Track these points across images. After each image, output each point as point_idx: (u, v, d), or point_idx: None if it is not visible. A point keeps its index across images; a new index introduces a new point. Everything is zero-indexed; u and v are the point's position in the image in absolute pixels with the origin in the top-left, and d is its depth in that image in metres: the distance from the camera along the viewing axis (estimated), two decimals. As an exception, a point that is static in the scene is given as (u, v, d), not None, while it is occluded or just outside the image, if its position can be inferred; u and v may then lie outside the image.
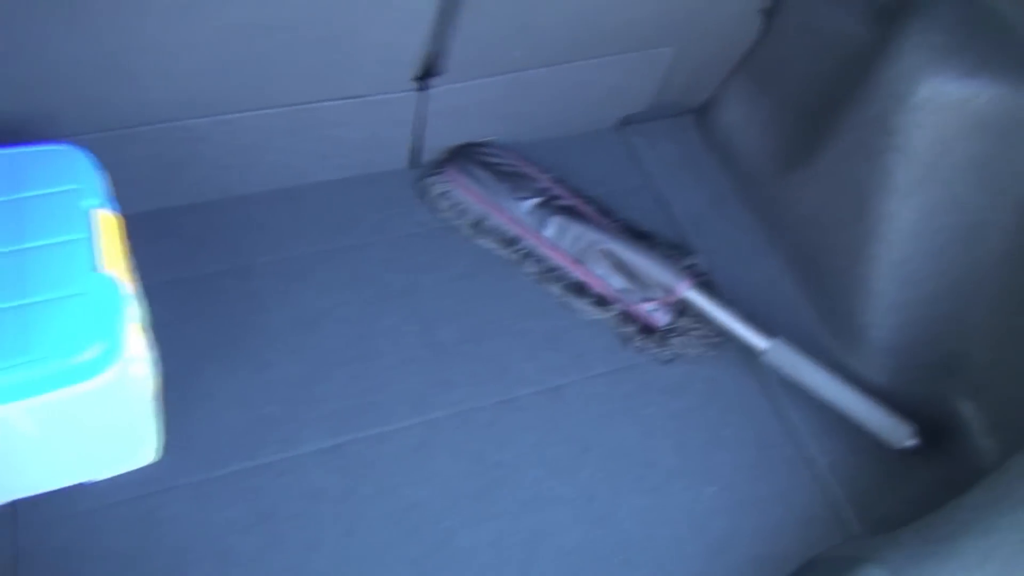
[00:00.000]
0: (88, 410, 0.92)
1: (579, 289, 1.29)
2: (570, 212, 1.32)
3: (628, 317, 1.27)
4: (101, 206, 0.91)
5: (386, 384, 1.18)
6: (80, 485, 1.05)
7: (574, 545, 1.09)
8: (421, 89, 1.23)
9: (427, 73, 1.20)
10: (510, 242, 1.33)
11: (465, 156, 1.37)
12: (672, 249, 1.33)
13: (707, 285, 1.28)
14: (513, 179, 1.35)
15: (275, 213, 1.32)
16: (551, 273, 1.30)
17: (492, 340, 1.25)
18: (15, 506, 1.04)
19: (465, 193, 1.34)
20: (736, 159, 1.46)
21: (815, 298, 1.31)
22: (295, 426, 1.13)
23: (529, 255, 1.32)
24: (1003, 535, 0.87)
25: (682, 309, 1.27)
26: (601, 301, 1.28)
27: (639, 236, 1.33)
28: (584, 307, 1.29)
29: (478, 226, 1.34)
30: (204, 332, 1.19)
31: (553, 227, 1.30)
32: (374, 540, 1.06)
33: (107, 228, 0.90)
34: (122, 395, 0.95)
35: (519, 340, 1.25)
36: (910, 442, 1.14)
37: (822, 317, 1.30)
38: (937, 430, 1.15)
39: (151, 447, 1.08)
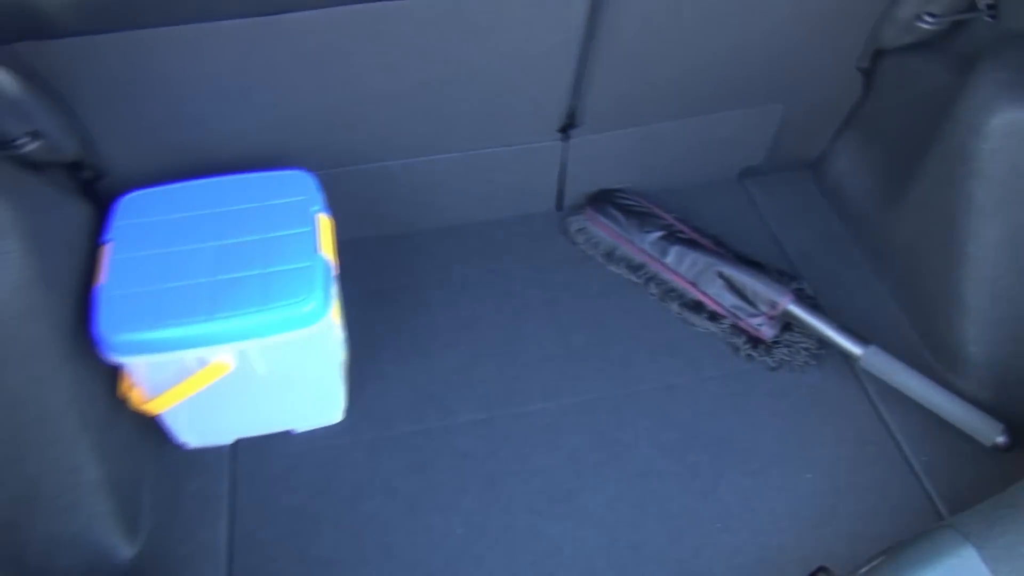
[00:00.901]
0: (301, 355, 1.23)
1: (695, 306, 1.49)
2: (689, 242, 1.54)
3: (738, 330, 1.45)
4: (321, 211, 1.25)
5: (526, 375, 1.42)
6: (285, 433, 1.36)
7: (679, 511, 1.25)
8: (564, 139, 1.51)
9: (569, 125, 1.48)
10: (636, 268, 1.55)
11: (601, 199, 1.63)
12: (780, 274, 1.50)
13: (810, 301, 1.44)
14: (641, 217, 1.59)
15: (443, 244, 1.62)
16: (671, 293, 1.51)
17: (617, 345, 1.46)
18: (237, 445, 1.35)
19: (599, 228, 1.59)
20: (845, 203, 1.62)
21: (916, 320, 1.43)
22: (451, 402, 1.39)
23: (652, 278, 1.54)
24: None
25: (787, 324, 1.43)
26: (714, 316, 1.47)
27: (749, 263, 1.51)
28: (699, 321, 1.48)
29: (610, 255, 1.58)
30: (383, 328, 1.49)
31: (673, 254, 1.52)
32: (509, 492, 1.28)
33: (324, 226, 1.23)
34: (324, 348, 1.26)
35: (641, 346, 1.46)
36: (1000, 439, 1.22)
37: (923, 338, 1.41)
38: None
39: (338, 408, 1.38)
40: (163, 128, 1.25)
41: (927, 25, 1.36)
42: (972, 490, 1.20)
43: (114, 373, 1.23)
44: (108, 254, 1.18)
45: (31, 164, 1.19)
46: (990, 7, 1.31)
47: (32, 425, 1.08)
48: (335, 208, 1.27)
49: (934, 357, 1.38)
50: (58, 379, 1.11)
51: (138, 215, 1.24)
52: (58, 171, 1.26)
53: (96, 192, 1.32)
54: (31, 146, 1.18)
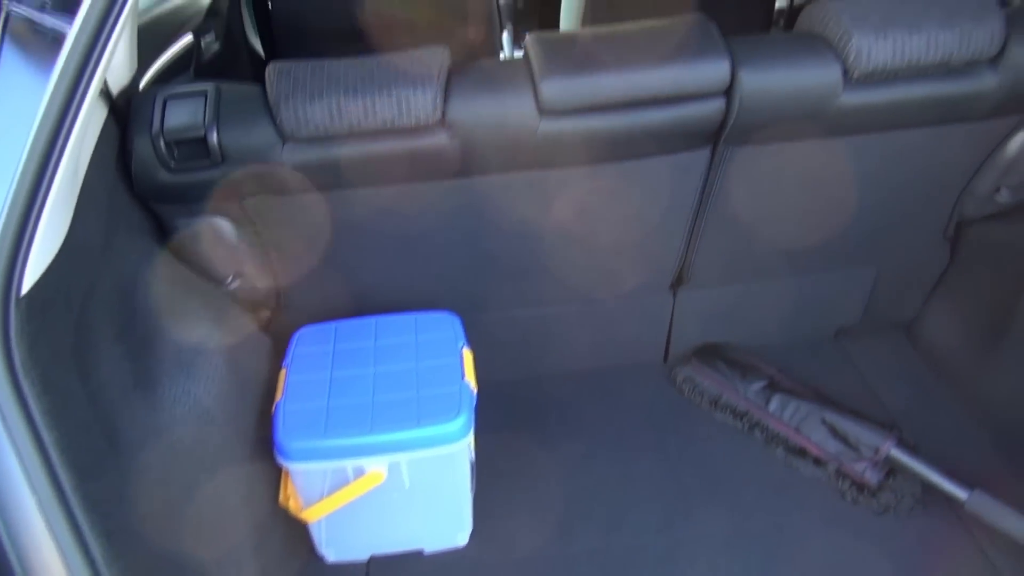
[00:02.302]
0: (442, 471, 1.37)
1: (799, 451, 1.58)
2: (790, 391, 1.65)
3: (843, 475, 1.52)
4: (465, 346, 1.44)
5: (640, 509, 1.52)
6: (415, 554, 1.48)
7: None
8: (673, 294, 1.69)
9: (678, 282, 1.67)
10: (741, 415, 1.67)
11: (706, 351, 1.77)
12: (880, 424, 1.58)
13: (911, 448, 1.51)
14: (743, 368, 1.72)
15: (564, 387, 1.78)
16: (775, 438, 1.61)
17: (725, 484, 1.55)
18: (371, 562, 1.47)
19: (704, 379, 1.73)
20: (940, 361, 1.72)
21: (1020, 469, 1.47)
22: (570, 530, 1.49)
23: (756, 425, 1.64)
24: None
25: (890, 470, 1.50)
26: (818, 461, 1.55)
27: (851, 411, 1.60)
28: (804, 466, 1.56)
29: (715, 403, 1.70)
30: (507, 460, 1.62)
31: (776, 402, 1.63)
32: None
33: (467, 359, 1.42)
34: (462, 467, 1.40)
35: (748, 488, 1.54)
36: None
37: None
38: None
39: (466, 531, 1.50)
40: (339, 273, 1.50)
41: (1004, 198, 1.52)
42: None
43: (277, 483, 1.40)
44: (286, 376, 1.39)
45: (233, 299, 1.44)
46: (1062, 183, 1.47)
47: (211, 518, 1.24)
48: (474, 349, 1.46)
49: None
50: (237, 480, 1.29)
51: (312, 344, 1.46)
52: (249, 308, 1.50)
53: (273, 327, 1.55)
54: (235, 284, 1.43)
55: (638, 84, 1.23)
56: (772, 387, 1.67)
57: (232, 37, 2.19)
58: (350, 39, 1.89)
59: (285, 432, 1.30)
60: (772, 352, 1.79)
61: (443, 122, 1.23)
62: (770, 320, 1.79)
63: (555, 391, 1.76)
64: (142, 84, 1.49)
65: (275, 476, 1.40)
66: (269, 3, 2.19)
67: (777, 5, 2.32)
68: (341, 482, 1.33)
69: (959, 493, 1.41)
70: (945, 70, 1.27)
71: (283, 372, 1.40)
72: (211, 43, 2.02)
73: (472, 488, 1.51)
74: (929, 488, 1.46)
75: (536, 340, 1.72)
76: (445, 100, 1.22)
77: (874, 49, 1.22)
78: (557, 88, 1.22)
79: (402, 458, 1.32)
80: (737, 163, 1.38)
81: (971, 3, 1.25)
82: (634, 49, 1.25)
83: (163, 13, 1.78)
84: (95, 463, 0.93)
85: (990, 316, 1.59)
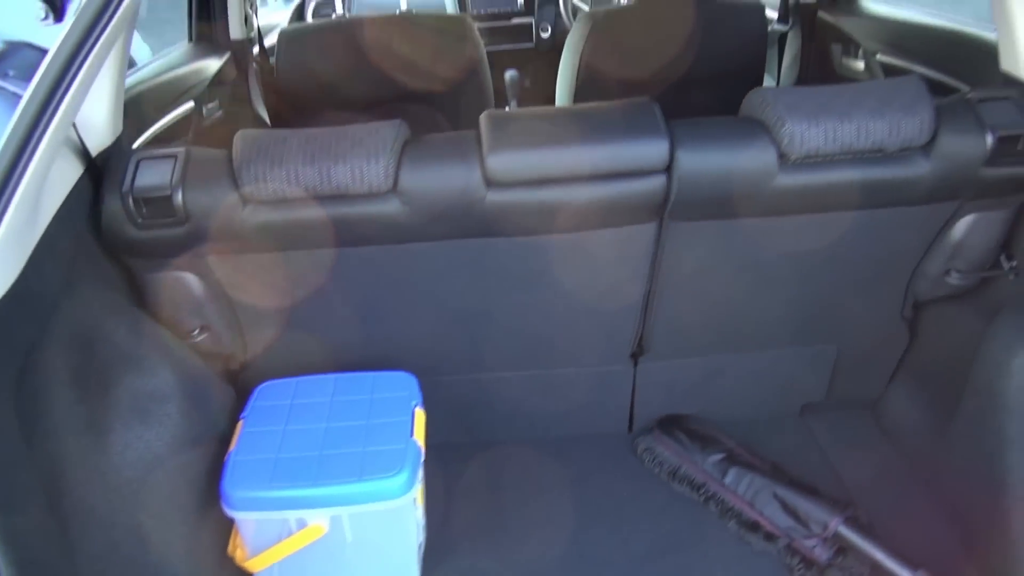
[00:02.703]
0: (385, 528, 1.39)
1: (752, 526, 1.58)
2: (747, 465, 1.65)
3: (793, 551, 1.52)
4: (418, 405, 1.48)
5: (587, 573, 1.52)
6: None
7: None
8: (634, 364, 1.72)
9: (639, 352, 1.70)
10: (697, 487, 1.67)
11: (668, 422, 1.79)
12: (834, 500, 1.57)
13: (863, 527, 1.50)
14: (703, 440, 1.73)
15: (522, 453, 1.80)
16: (729, 511, 1.61)
17: (676, 556, 1.55)
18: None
19: (665, 449, 1.74)
20: (901, 439, 1.72)
21: (969, 549, 1.46)
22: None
23: (712, 497, 1.64)
24: None
25: (840, 548, 1.49)
26: (770, 536, 1.55)
27: (804, 486, 1.60)
28: (755, 540, 1.56)
29: (673, 474, 1.71)
30: (460, 521, 1.63)
31: (732, 475, 1.64)
32: None
33: (419, 418, 1.46)
34: (406, 524, 1.42)
35: (698, 559, 1.54)
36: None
37: (977, 566, 1.43)
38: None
39: (413, 593, 1.51)
40: (302, 331, 1.55)
41: (956, 281, 1.54)
42: None
43: (225, 535, 1.44)
44: (242, 428, 1.44)
45: (198, 352, 1.50)
46: (1013, 267, 1.49)
47: (154, 563, 1.27)
48: (431, 412, 1.50)
49: None
50: (184, 526, 1.32)
51: (271, 399, 1.51)
52: (216, 360, 1.56)
53: (239, 380, 1.61)
54: (201, 337, 1.50)
55: (580, 160, 1.30)
56: (730, 460, 1.67)
57: (237, 104, 2.32)
58: (355, 108, 1.98)
59: (231, 482, 1.34)
60: (737, 426, 1.80)
61: (395, 189, 1.31)
62: (735, 394, 1.81)
63: (515, 456, 1.78)
64: (136, 145, 1.60)
65: (227, 526, 1.43)
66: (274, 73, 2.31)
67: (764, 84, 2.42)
68: (285, 533, 1.36)
69: (903, 574, 1.39)
70: (880, 156, 1.32)
71: (240, 424, 1.45)
72: (213, 110, 2.15)
73: (420, 547, 1.52)
74: (878, 568, 1.45)
75: (496, 405, 1.76)
76: (398, 169, 1.30)
77: (807, 134, 1.28)
78: (502, 161, 1.29)
79: (344, 512, 1.35)
80: (684, 237, 1.43)
81: (903, 95, 1.30)
82: (580, 127, 1.33)
83: (164, 81, 1.91)
84: (20, 498, 0.98)
85: (945, 397, 1.60)
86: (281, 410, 1.48)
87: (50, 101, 0.99)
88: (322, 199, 1.30)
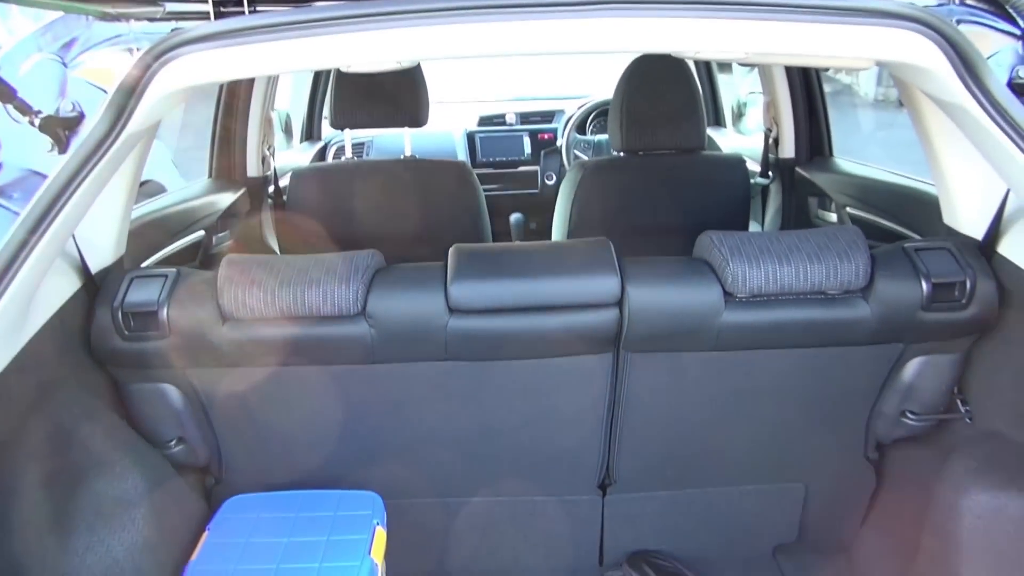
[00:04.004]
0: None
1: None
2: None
3: None
4: (379, 524, 1.51)
5: None
6: None
7: None
8: (602, 496, 1.74)
9: (606, 483, 1.72)
10: (665, 625, 1.65)
11: (637, 558, 1.78)
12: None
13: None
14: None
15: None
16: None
17: None
18: None
19: (634, 583, 1.73)
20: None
21: None
22: None
23: (677, 637, 1.62)
24: None
25: None
26: None
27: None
28: None
29: (642, 611, 1.69)
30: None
31: (697, 615, 1.62)
32: None
33: (379, 536, 1.49)
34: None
35: None
36: None
37: None
38: None
39: None
40: (276, 447, 1.61)
41: (912, 422, 1.57)
42: None
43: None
44: (206, 539, 1.47)
45: (173, 464, 1.56)
46: (967, 411, 1.53)
47: None
48: (396, 537, 1.52)
49: None
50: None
51: (239, 511, 1.55)
52: (190, 473, 1.62)
53: (212, 494, 1.65)
54: (176, 448, 1.56)
55: (537, 291, 1.39)
56: (696, 599, 1.66)
57: (248, 236, 2.49)
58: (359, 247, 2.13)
59: (187, 592, 1.36)
60: (708, 565, 1.78)
61: (363, 313, 1.40)
62: (705, 531, 1.80)
63: None
64: (144, 265, 1.73)
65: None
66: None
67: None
68: (234, 649, 1.37)
69: None
70: (822, 298, 1.40)
71: (204, 534, 1.49)
72: (223, 239, 2.31)
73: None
74: None
75: (463, 533, 1.76)
76: (367, 294, 1.40)
77: (749, 275, 1.37)
78: (464, 290, 1.39)
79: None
80: (640, 369, 1.50)
81: (839, 242, 1.40)
82: (539, 262, 1.43)
83: (179, 210, 2.08)
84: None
85: (909, 541, 1.59)
86: (247, 522, 1.52)
87: (43, 220, 1.11)
88: (296, 319, 1.40)
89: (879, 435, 1.63)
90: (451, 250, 1.47)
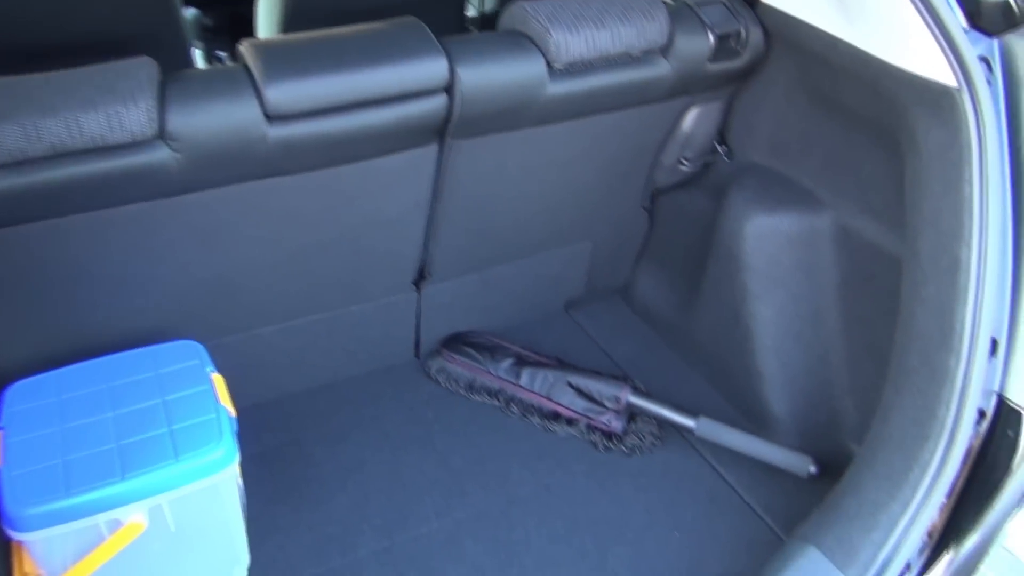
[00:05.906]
0: (211, 506, 1.28)
1: (553, 416, 1.71)
2: (537, 364, 1.78)
3: (593, 428, 1.68)
4: (213, 371, 1.36)
5: (416, 500, 1.55)
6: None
7: (578, 589, 1.40)
8: (417, 291, 1.74)
9: (420, 278, 1.72)
10: (495, 393, 1.76)
11: (453, 340, 1.84)
12: (615, 377, 1.76)
13: (644, 393, 1.70)
14: (492, 350, 1.81)
15: (317, 402, 1.74)
16: (530, 408, 1.72)
17: (493, 461, 1.63)
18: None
19: (456, 366, 1.80)
20: (653, 316, 1.96)
21: (729, 395, 1.74)
22: (350, 538, 1.48)
23: (511, 399, 1.74)
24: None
25: (632, 416, 1.68)
26: (571, 421, 1.69)
27: (590, 371, 1.77)
28: (559, 428, 1.70)
29: (471, 387, 1.78)
30: (273, 485, 1.56)
31: (526, 375, 1.75)
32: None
33: (219, 383, 1.35)
34: (231, 497, 1.32)
35: (513, 458, 1.64)
36: (812, 468, 1.51)
37: (737, 406, 1.71)
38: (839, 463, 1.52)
39: (243, 564, 1.42)
40: (52, 316, 1.33)
41: (685, 167, 1.77)
42: (803, 514, 1.46)
43: (7, 566, 1.22)
44: (3, 439, 1.21)
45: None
46: (726, 152, 1.75)
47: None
48: (223, 375, 1.38)
49: (747, 420, 1.68)
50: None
51: (29, 400, 1.28)
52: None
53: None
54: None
55: (363, 85, 1.25)
56: (520, 363, 1.78)
57: None
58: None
59: (15, 500, 1.13)
60: (513, 332, 1.91)
61: (162, 135, 1.16)
62: (507, 303, 1.91)
63: (309, 407, 1.72)
64: None
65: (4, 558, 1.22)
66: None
67: (469, 13, 2.47)
68: (94, 542, 1.19)
69: (688, 422, 1.62)
70: (628, 60, 1.45)
71: (-1, 435, 1.22)
72: None
73: (243, 517, 1.43)
74: (664, 424, 1.67)
75: (286, 357, 1.67)
76: (163, 112, 1.15)
77: (570, 43, 1.36)
78: (283, 92, 1.20)
79: (163, 499, 1.21)
80: (464, 155, 1.46)
81: (640, 2, 1.43)
82: (355, 51, 1.27)
83: None
84: None
85: (684, 272, 1.84)
86: (48, 409, 1.27)
87: None
88: (72, 155, 1.11)
89: (658, 184, 1.81)
90: (244, 48, 1.24)
